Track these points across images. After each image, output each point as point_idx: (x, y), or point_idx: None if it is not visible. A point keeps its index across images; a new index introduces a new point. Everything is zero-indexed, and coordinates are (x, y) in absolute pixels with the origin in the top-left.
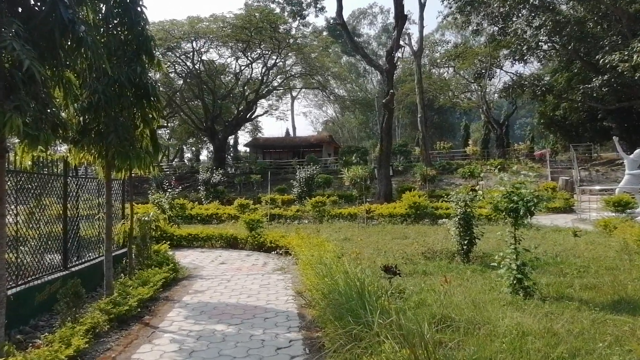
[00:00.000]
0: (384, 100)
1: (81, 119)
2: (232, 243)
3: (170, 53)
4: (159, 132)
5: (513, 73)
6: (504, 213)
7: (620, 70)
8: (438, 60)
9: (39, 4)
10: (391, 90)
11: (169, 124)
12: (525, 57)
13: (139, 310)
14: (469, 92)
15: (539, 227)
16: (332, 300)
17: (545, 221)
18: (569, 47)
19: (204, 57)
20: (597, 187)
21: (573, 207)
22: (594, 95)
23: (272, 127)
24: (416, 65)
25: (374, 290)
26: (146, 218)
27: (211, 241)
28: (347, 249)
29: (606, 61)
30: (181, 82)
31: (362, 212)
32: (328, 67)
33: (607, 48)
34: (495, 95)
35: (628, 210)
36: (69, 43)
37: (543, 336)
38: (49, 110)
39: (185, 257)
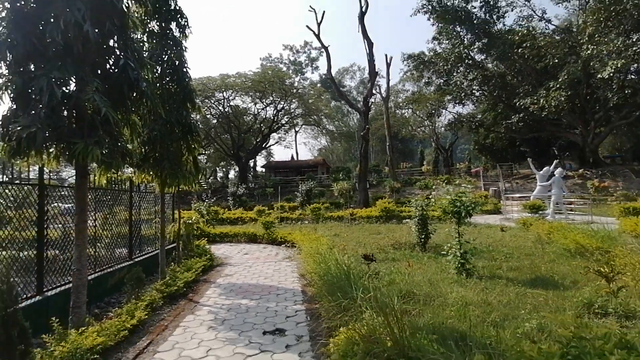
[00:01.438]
0: (361, 133)
1: (143, 149)
2: (252, 239)
3: (207, 100)
4: (199, 158)
5: (455, 112)
6: (450, 215)
7: (531, 110)
8: (400, 104)
9: (113, 67)
10: (367, 126)
11: (206, 152)
12: (463, 101)
13: (185, 289)
14: (423, 126)
15: (476, 224)
16: (326, 281)
17: (481, 220)
18: (494, 94)
19: (231, 103)
20: (517, 195)
21: (500, 209)
22: (513, 128)
23: (281, 153)
24: (385, 107)
25: (357, 273)
26: (190, 221)
27: (237, 237)
28: (337, 242)
29: (521, 104)
30: (215, 121)
31: (347, 215)
32: (321, 109)
33: (521, 94)
34: (442, 128)
35: (540, 212)
36: (134, 95)
37: (481, 305)
38: (119, 144)
39: (218, 250)
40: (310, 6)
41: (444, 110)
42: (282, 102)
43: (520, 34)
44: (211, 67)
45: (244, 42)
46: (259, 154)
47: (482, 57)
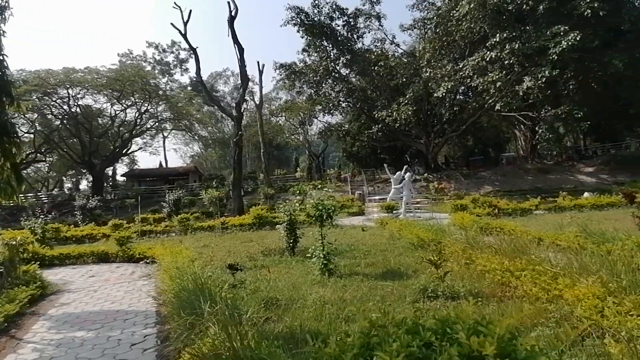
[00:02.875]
0: (234, 139)
1: None
2: (103, 258)
3: (46, 97)
4: (37, 165)
5: (324, 122)
6: (313, 218)
7: (387, 122)
8: (275, 111)
9: None
10: (240, 132)
11: (47, 159)
12: (332, 112)
13: (6, 325)
14: (296, 134)
15: (342, 226)
16: (179, 298)
17: (347, 222)
18: (357, 106)
19: (80, 102)
20: (377, 197)
21: (364, 211)
22: (374, 137)
23: (149, 160)
24: (258, 114)
25: (216, 285)
26: (13, 242)
27: (83, 258)
28: (205, 253)
29: (379, 115)
30: (58, 122)
31: (218, 224)
32: (192, 114)
33: (379, 107)
34: (315, 136)
35: (394, 212)
36: None
37: (337, 303)
38: None
39: (57, 275)
40: (175, 2)
41: (315, 119)
42: (147, 104)
43: (375, 53)
44: (56, 62)
45: (96, 37)
46: (119, 161)
47: (347, 72)
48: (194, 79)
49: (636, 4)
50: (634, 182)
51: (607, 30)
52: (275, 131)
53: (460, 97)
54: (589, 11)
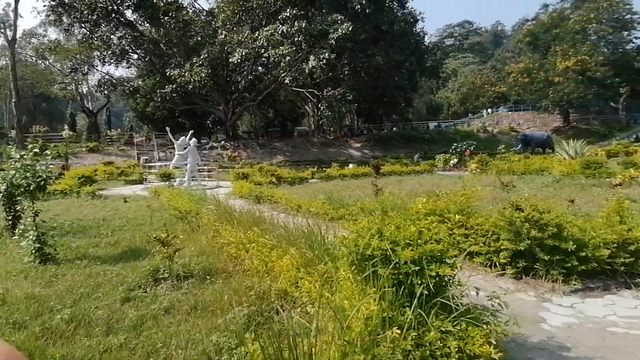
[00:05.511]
0: None
1: None
2: None
3: None
4: None
5: (105, 72)
6: (21, 189)
7: (179, 82)
8: (40, 51)
9: None
10: None
11: None
12: (115, 62)
13: None
14: (65, 83)
15: (108, 196)
16: None
17: (117, 192)
18: (147, 60)
19: None
20: (158, 164)
21: (146, 179)
22: (167, 98)
23: None
24: (10, 53)
25: None
26: None
27: None
28: None
29: (171, 74)
30: None
31: None
32: None
33: (173, 65)
34: (94, 89)
35: (175, 180)
36: None
37: (18, 302)
38: None
39: None
40: None
41: (95, 69)
42: None
43: (165, 1)
44: None
45: None
46: None
47: (135, 17)
48: None
49: (394, 10)
50: (384, 157)
51: (373, 28)
52: (41, 77)
53: (260, 68)
54: (359, 7)
